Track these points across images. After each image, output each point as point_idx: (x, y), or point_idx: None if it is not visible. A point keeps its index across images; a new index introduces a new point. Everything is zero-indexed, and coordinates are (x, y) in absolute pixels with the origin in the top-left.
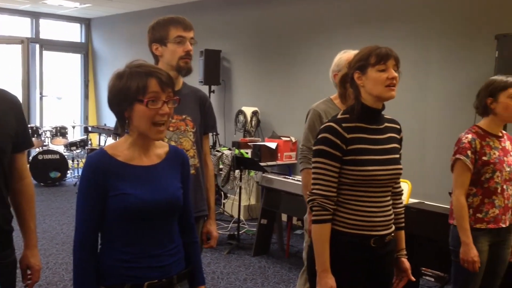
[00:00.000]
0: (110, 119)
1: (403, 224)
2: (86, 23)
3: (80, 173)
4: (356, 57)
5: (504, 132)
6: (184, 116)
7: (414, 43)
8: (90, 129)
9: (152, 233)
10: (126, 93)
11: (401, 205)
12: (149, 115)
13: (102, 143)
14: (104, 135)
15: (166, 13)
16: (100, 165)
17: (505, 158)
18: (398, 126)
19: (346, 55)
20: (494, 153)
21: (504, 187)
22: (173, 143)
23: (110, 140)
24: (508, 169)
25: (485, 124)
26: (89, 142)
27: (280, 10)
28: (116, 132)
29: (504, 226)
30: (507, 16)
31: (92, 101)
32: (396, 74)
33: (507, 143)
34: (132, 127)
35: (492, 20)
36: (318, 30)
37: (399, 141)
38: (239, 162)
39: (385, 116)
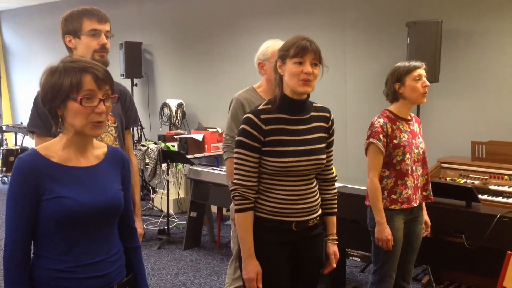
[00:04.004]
0: (26, 117)
1: (334, 210)
2: None
3: None
4: (281, 46)
5: (412, 115)
6: None
7: (332, 32)
8: (4, 128)
9: (91, 239)
10: (58, 90)
11: (332, 192)
12: (84, 114)
13: (19, 143)
14: (20, 134)
15: (83, 4)
16: (31, 167)
17: (413, 141)
18: (327, 115)
19: (273, 45)
20: (404, 136)
21: (414, 168)
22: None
23: (28, 139)
24: (416, 151)
25: (395, 108)
26: (5, 142)
27: (200, 0)
28: (30, 130)
29: (415, 204)
30: (416, 4)
31: (5, 99)
32: (310, 70)
33: (415, 126)
34: (67, 125)
35: (403, 8)
36: (238, 20)
37: (327, 130)
38: (166, 156)
39: (315, 105)
